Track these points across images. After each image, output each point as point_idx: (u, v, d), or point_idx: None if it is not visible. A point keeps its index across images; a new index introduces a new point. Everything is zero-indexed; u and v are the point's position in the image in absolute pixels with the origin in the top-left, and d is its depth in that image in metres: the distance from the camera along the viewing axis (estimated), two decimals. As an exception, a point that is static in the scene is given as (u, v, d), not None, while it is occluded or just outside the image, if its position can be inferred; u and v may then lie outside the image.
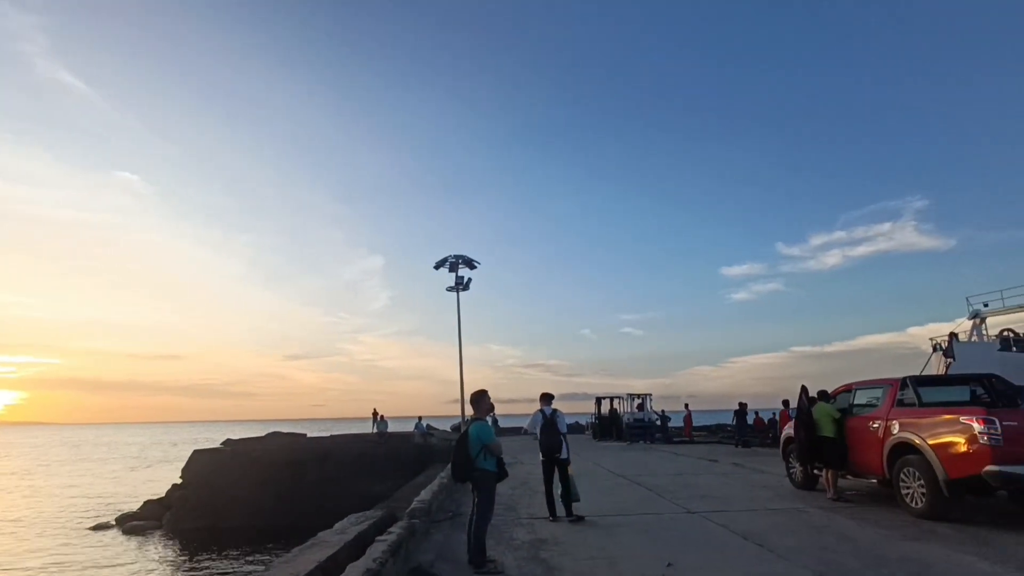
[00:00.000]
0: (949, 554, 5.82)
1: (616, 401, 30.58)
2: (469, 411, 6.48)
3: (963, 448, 6.96)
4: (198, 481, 23.80)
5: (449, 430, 33.95)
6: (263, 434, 31.36)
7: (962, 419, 7.08)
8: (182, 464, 25.44)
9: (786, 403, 17.71)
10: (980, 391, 8.69)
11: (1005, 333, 17.82)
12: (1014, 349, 16.90)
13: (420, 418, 28.14)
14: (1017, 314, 18.02)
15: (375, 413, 29.37)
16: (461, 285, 23.98)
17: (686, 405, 27.98)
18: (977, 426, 6.82)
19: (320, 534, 7.09)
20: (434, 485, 10.04)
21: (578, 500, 8.02)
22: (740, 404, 23.35)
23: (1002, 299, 18.06)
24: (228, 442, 27.93)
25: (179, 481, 25.06)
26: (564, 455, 8.06)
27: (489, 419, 6.69)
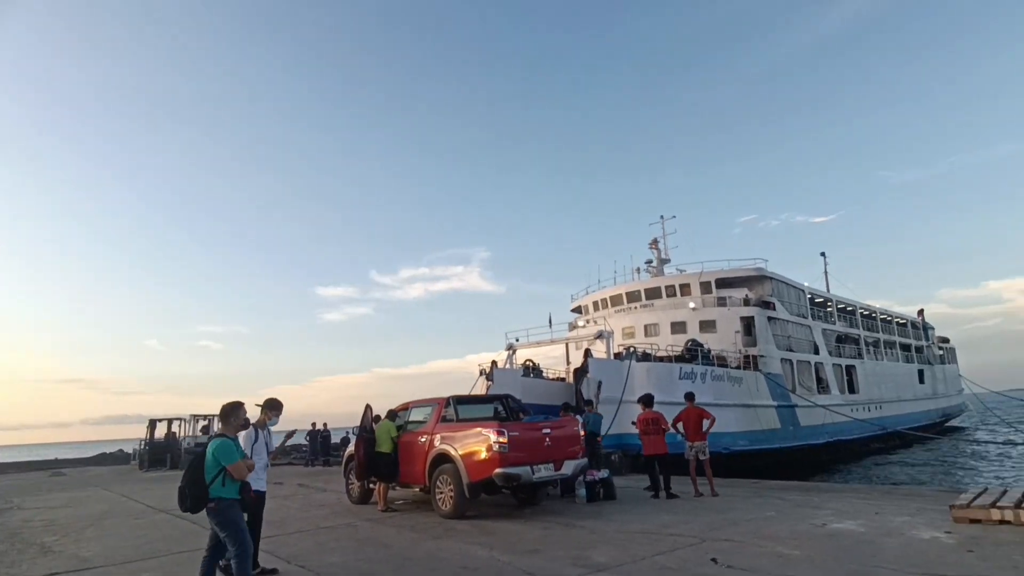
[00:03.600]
0: (462, 547, 6.86)
1: (176, 424, 26.88)
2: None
3: (482, 455, 8.41)
4: None
5: None
6: None
7: (483, 431, 8.59)
8: None
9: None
10: (500, 408, 10.76)
11: (526, 363, 23.01)
12: (532, 375, 21.95)
13: None
14: (536, 348, 23.45)
15: None
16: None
17: None
18: (492, 436, 8.36)
19: None
20: None
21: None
22: (312, 424, 23.89)
23: (528, 336, 23.34)
24: None
25: None
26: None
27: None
